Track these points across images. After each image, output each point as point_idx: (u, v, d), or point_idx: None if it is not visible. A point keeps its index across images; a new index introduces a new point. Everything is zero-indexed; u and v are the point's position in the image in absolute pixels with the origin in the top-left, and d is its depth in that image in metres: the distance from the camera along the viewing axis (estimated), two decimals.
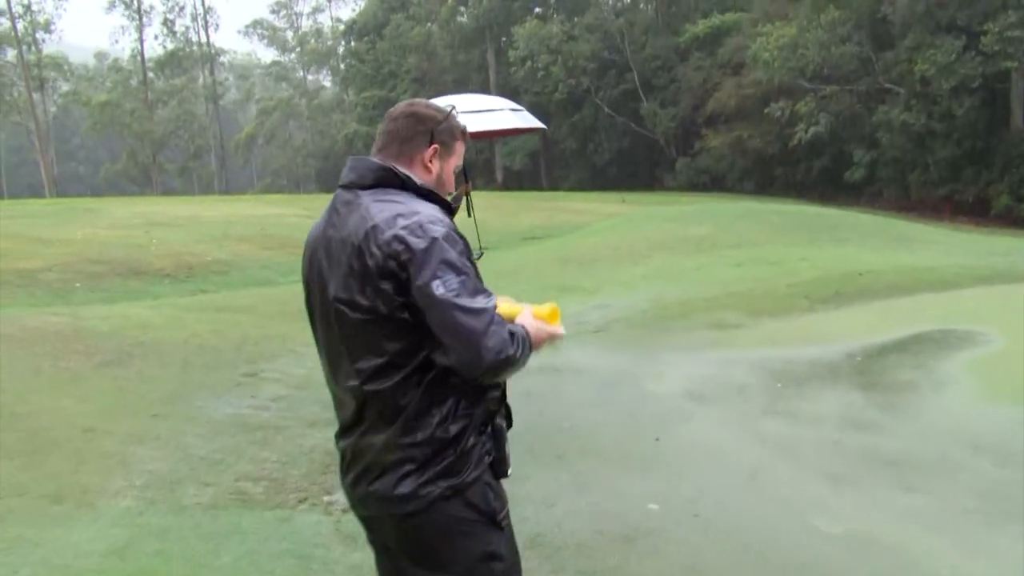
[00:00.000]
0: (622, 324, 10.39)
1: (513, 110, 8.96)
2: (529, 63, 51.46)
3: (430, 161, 2.38)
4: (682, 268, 14.09)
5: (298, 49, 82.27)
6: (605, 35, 52.12)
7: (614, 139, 52.40)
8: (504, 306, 2.32)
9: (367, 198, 2.27)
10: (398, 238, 2.15)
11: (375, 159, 2.36)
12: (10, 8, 58.19)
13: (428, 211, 2.23)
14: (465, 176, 7.83)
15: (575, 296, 12.55)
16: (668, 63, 50.52)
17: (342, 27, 73.25)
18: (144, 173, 66.10)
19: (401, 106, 2.44)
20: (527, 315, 2.34)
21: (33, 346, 7.60)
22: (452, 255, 2.14)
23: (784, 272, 13.11)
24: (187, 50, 70.42)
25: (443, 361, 2.17)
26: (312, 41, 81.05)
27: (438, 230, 2.15)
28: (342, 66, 72.24)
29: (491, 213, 26.86)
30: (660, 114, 49.60)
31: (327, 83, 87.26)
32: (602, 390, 7.58)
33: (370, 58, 62.84)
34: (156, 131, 63.90)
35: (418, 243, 2.14)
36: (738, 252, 15.25)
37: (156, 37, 72.01)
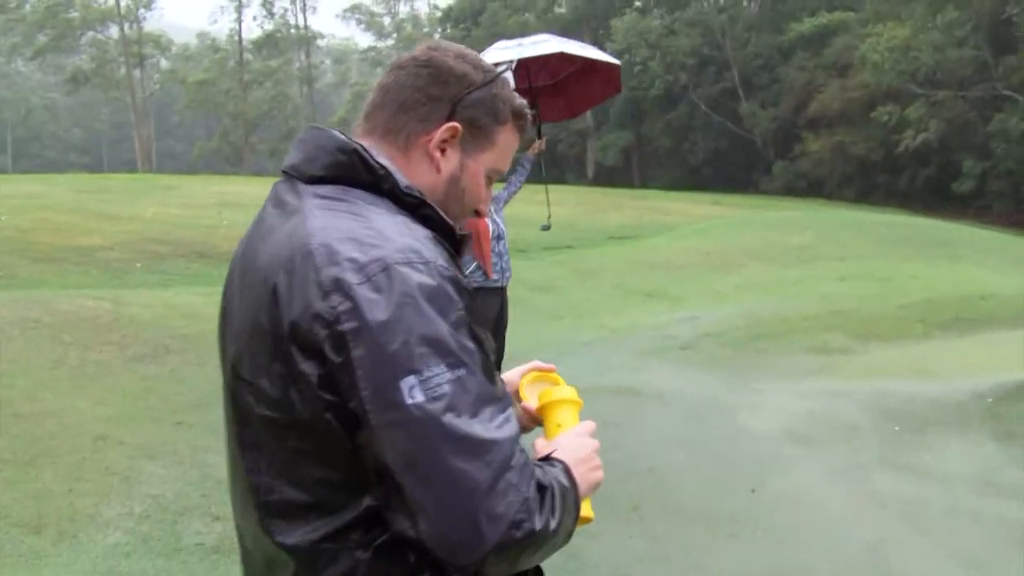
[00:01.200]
0: (712, 341, 9.38)
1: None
2: (626, 57, 50.27)
3: (440, 150, 1.36)
4: (780, 280, 12.99)
5: (395, 35, 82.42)
6: (706, 31, 50.58)
7: (710, 139, 50.92)
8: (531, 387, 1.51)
9: (310, 200, 1.29)
10: (340, 285, 1.16)
11: (339, 133, 1.36)
12: None
13: (404, 240, 1.22)
14: (539, 132, 6.90)
15: (661, 304, 11.59)
16: (770, 62, 48.80)
17: (439, 14, 73.04)
18: (236, 153, 66.85)
19: (418, 48, 1.44)
20: (573, 434, 1.41)
21: (62, 333, 6.97)
22: (439, 327, 1.16)
23: (894, 290, 11.90)
24: (284, 32, 71.00)
25: (403, 529, 1.17)
26: (409, 27, 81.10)
27: (415, 279, 1.17)
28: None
29: (579, 209, 26.01)
30: (759, 115, 47.96)
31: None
32: (688, 423, 6.60)
33: (465, 45, 62.36)
34: (250, 111, 64.52)
35: (373, 301, 1.15)
36: (842, 265, 14.04)
37: (254, 18, 72.88)
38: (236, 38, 68.39)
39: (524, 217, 11.13)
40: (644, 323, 10.42)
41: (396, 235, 1.22)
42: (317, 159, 1.33)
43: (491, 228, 6.20)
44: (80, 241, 12.08)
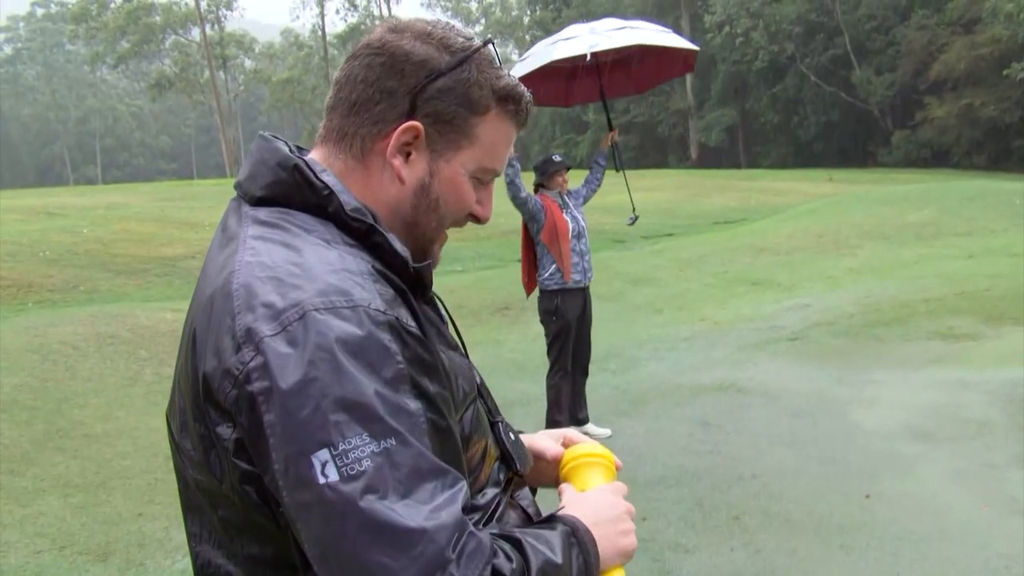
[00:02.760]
0: (823, 330, 9.07)
1: (658, 31, 6.82)
2: (727, 29, 49.48)
3: (403, 155, 1.20)
4: (899, 261, 12.50)
5: (483, 20, 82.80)
6: None
7: (821, 111, 49.64)
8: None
9: (248, 227, 1.15)
10: (251, 336, 1.01)
11: (284, 145, 1.22)
12: None
13: (331, 278, 1.05)
14: (609, 123, 6.75)
15: (767, 293, 11.29)
16: (886, 23, 47.26)
17: None
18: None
19: (376, 30, 1.25)
20: (601, 491, 1.29)
21: (138, 349, 7.15)
22: (362, 388, 0.98)
23: None
24: (369, 24, 72.07)
25: None
26: (497, 11, 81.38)
27: (336, 329, 1.00)
28: (527, 37, 72.08)
29: (681, 193, 25.69)
30: (875, 82, 46.53)
31: (514, 55, 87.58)
32: (796, 421, 6.37)
33: (556, 28, 62.08)
34: None
35: (285, 357, 0.99)
36: (969, 241, 13.44)
37: (337, 11, 74.06)
38: (319, 33, 69.73)
39: (622, 206, 10.99)
40: (749, 314, 10.16)
41: (322, 272, 1.05)
42: (259, 176, 1.19)
43: (571, 226, 6.10)
44: (162, 251, 12.42)
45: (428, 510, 0.98)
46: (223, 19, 65.48)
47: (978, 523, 4.56)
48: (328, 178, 1.17)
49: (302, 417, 0.96)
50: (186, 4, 63.27)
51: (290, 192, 1.17)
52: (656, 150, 57.86)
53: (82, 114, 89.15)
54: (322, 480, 0.95)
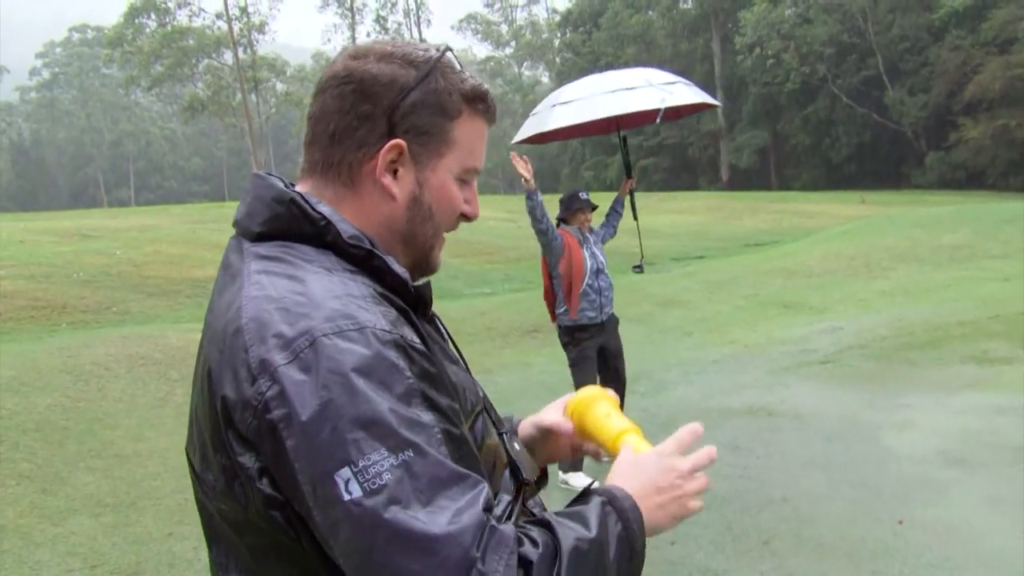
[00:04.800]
0: (856, 353, 9.00)
1: (667, 84, 6.77)
2: (758, 50, 49.51)
3: (391, 173, 1.24)
4: (932, 283, 12.40)
5: (513, 43, 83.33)
6: (844, 16, 49.20)
7: (853, 132, 49.44)
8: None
9: (250, 263, 1.18)
10: (265, 367, 1.05)
11: (278, 180, 1.26)
12: (227, 11, 61.98)
13: (335, 304, 1.09)
14: (628, 171, 6.76)
15: (798, 316, 11.23)
16: (919, 44, 47.06)
17: (557, 18, 73.46)
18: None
19: (338, 61, 1.28)
20: (647, 457, 1.27)
21: (170, 370, 7.23)
22: (376, 405, 1.02)
23: None
24: None
25: None
26: (527, 34, 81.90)
27: (346, 351, 1.04)
28: (557, 60, 72.42)
29: (712, 216, 25.65)
30: (908, 103, 46.32)
31: (544, 78, 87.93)
32: (828, 445, 6.32)
33: (586, 50, 62.48)
34: None
35: (300, 384, 1.03)
36: (1005, 264, 13.31)
37: (368, 35, 74.67)
38: None
39: (652, 227, 10.99)
40: (780, 337, 10.11)
41: (327, 299, 1.09)
42: (256, 213, 1.22)
43: (588, 264, 6.08)
44: (194, 273, 12.56)
45: (450, 515, 1.01)
46: (255, 43, 66.23)
47: (1015, 551, 4.49)
48: (324, 208, 1.21)
49: (322, 439, 1.00)
50: (219, 28, 64.10)
51: (288, 225, 1.20)
52: (687, 172, 57.80)
53: (116, 137, 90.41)
54: (346, 497, 0.99)
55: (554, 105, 6.62)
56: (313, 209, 1.20)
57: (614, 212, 6.59)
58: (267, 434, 1.03)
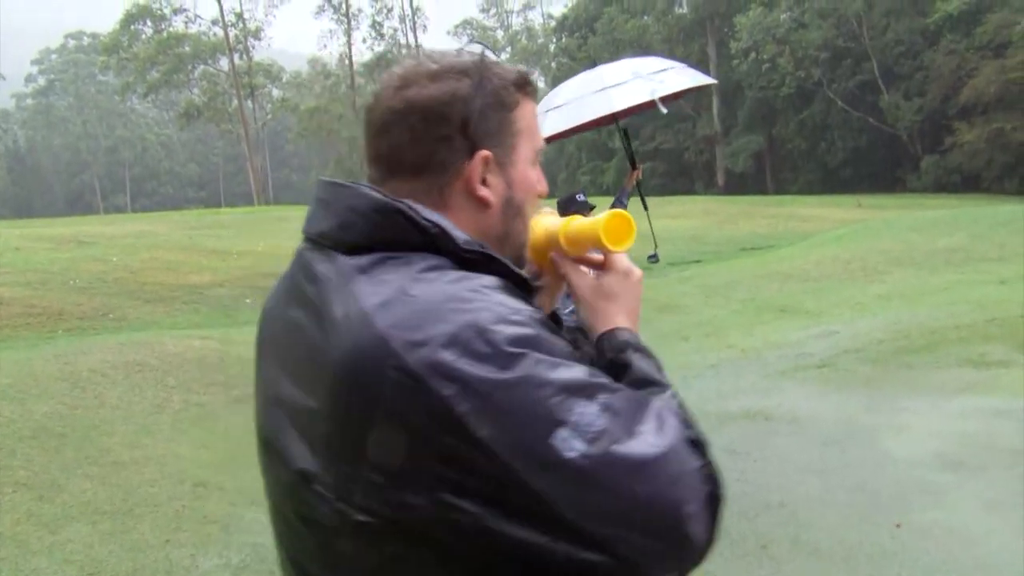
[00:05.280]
0: (852, 357, 9.00)
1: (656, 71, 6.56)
2: (753, 55, 49.59)
3: (483, 183, 1.25)
4: (928, 287, 12.40)
5: (509, 48, 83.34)
6: (840, 20, 49.27)
7: (849, 136, 49.52)
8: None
9: (356, 276, 1.16)
10: (436, 368, 1.04)
11: (373, 190, 1.21)
12: (223, 17, 62.09)
13: (486, 297, 1.12)
14: (632, 163, 6.72)
15: (796, 320, 11.23)
16: (913, 48, 47.16)
17: (553, 23, 73.53)
18: (352, 179, 68.55)
19: (387, 89, 1.25)
20: (625, 287, 1.39)
21: (167, 376, 7.23)
22: (561, 368, 1.08)
23: None
24: (396, 52, 72.67)
25: None
26: (523, 39, 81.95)
27: (515, 333, 1.08)
28: (553, 65, 72.48)
29: (708, 220, 25.65)
30: (903, 107, 46.41)
31: (540, 83, 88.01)
32: (825, 449, 6.32)
33: (582, 55, 62.46)
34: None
35: (481, 371, 1.04)
36: (1001, 267, 13.31)
37: (364, 40, 74.84)
38: (346, 62, 70.40)
39: (647, 235, 11.00)
40: (776, 341, 10.12)
41: (473, 295, 1.11)
42: (354, 225, 1.19)
43: None
44: (190, 279, 12.56)
45: (656, 431, 1.10)
46: (251, 48, 66.30)
47: (1014, 554, 4.50)
48: (434, 216, 1.19)
49: (523, 415, 1.04)
50: (215, 34, 64.20)
51: (394, 236, 1.18)
52: (683, 176, 57.83)
53: (112, 143, 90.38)
54: (571, 454, 1.03)
55: (547, 111, 6.58)
56: (424, 218, 1.18)
57: (619, 203, 6.54)
58: (448, 434, 1.03)
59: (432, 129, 1.22)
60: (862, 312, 11.23)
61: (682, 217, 24.79)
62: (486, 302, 1.09)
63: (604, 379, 1.12)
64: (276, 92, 72.83)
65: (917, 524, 4.90)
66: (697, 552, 1.09)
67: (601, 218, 1.34)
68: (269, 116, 73.28)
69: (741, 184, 53.86)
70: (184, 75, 63.31)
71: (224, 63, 64.11)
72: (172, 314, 10.93)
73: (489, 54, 1.29)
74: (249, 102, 65.57)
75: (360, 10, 73.05)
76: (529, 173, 1.31)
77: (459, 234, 1.19)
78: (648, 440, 1.07)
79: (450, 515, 1.04)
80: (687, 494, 1.08)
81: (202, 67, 64.66)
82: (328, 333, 1.12)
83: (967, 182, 43.35)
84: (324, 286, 1.17)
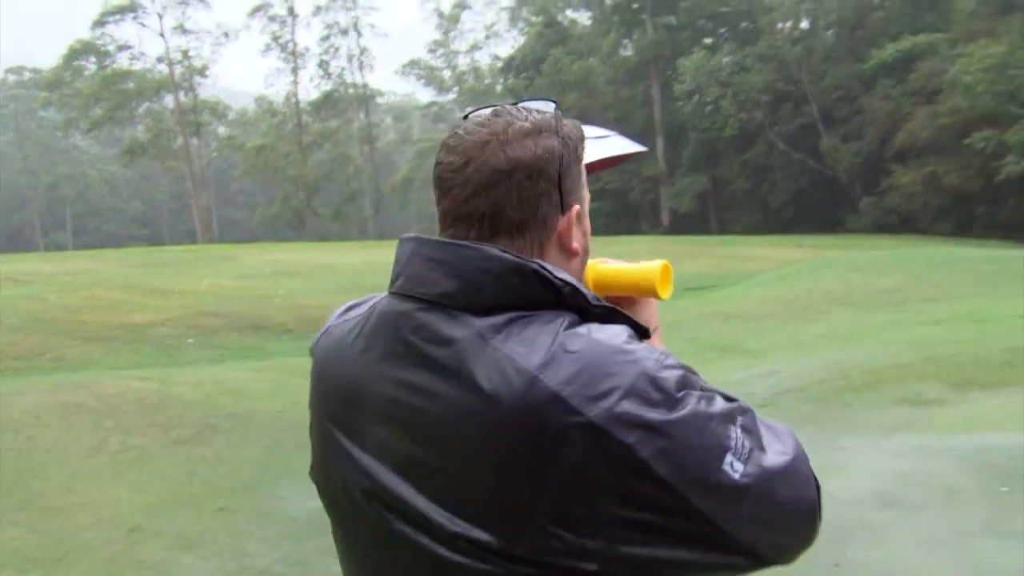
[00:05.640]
0: (793, 396, 9.11)
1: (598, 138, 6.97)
2: (696, 97, 50.35)
3: (569, 234, 1.32)
4: (868, 326, 12.62)
5: (456, 89, 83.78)
6: (780, 65, 50.33)
7: (790, 178, 50.40)
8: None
9: (494, 336, 1.19)
10: (621, 419, 1.12)
11: (501, 252, 1.24)
12: (168, 55, 61.74)
13: (637, 347, 1.20)
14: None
15: (738, 359, 11.34)
16: (851, 93, 48.30)
17: (500, 64, 74.12)
18: (298, 218, 68.26)
19: (491, 152, 1.26)
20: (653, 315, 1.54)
21: (104, 418, 7.09)
22: (710, 400, 1.20)
23: (996, 333, 11.43)
24: (342, 92, 72.70)
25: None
26: (470, 80, 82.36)
27: (674, 376, 1.18)
28: (462, 116, 72.95)
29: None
30: (842, 149, 47.42)
31: None
32: None
33: (528, 95, 62.67)
34: (310, 175, 65.92)
35: (660, 416, 1.13)
36: (936, 307, 13.60)
37: (311, 79, 74.68)
38: (293, 100, 70.24)
39: None
40: (718, 380, 9.91)
41: (629, 347, 1.18)
42: (485, 286, 1.21)
43: None
44: (131, 318, 12.37)
45: (779, 439, 1.24)
46: (197, 86, 65.92)
47: None
48: (564, 274, 1.24)
49: (698, 451, 1.14)
50: (160, 72, 63.73)
51: (528, 296, 1.22)
52: (628, 216, 58.32)
53: (53, 180, 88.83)
54: (737, 475, 1.16)
55: None
56: (556, 277, 1.23)
57: None
58: (631, 477, 1.12)
59: (535, 185, 1.26)
60: (804, 351, 11.38)
61: (627, 257, 24.94)
62: (642, 352, 1.18)
63: (733, 401, 1.23)
64: (222, 130, 72.43)
65: (856, 563, 4.95)
66: (811, 536, 1.28)
67: (656, 266, 1.48)
68: (215, 154, 72.78)
69: (686, 224, 54.46)
70: (128, 112, 62.65)
71: (169, 100, 63.63)
72: (111, 354, 10.74)
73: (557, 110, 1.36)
74: (194, 139, 65.11)
75: (307, 48, 72.89)
76: (587, 218, 1.39)
77: (586, 291, 1.26)
78: (777, 449, 1.22)
79: (623, 552, 1.13)
80: (815, 491, 1.27)
81: (147, 104, 64.07)
82: (481, 395, 1.15)
83: (904, 223, 44.29)
84: (461, 348, 1.18)
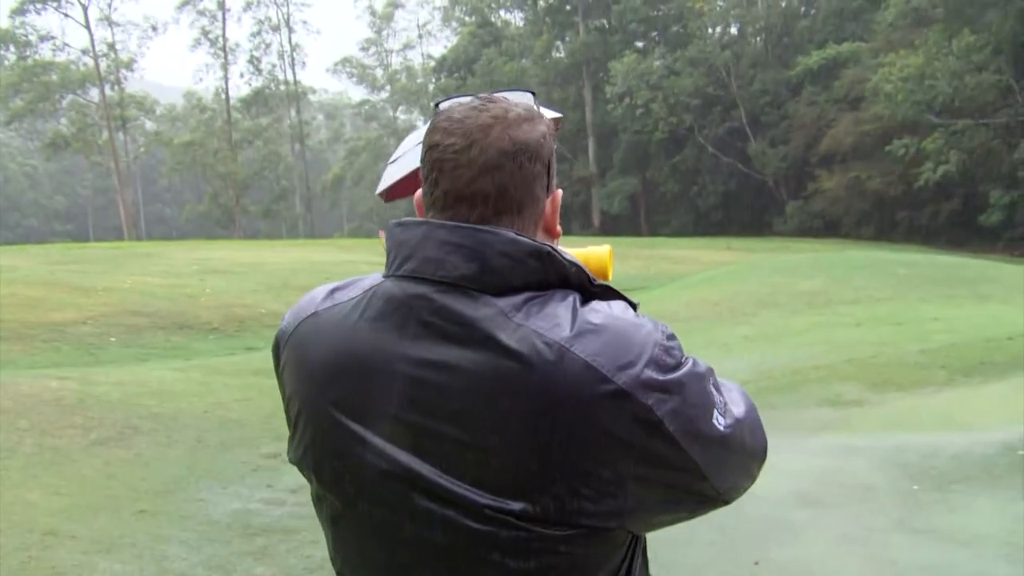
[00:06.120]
0: None
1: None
2: (628, 100, 50.82)
3: (553, 217, 1.41)
4: (790, 328, 12.87)
5: (388, 87, 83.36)
6: (710, 69, 51.10)
7: (719, 181, 51.20)
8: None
9: (516, 314, 1.24)
10: (645, 384, 1.22)
11: (517, 234, 1.28)
12: (93, 47, 60.29)
13: (641, 318, 1.29)
14: None
15: None
16: (778, 99, 49.26)
17: (432, 63, 73.93)
18: (227, 215, 67.26)
19: (477, 120, 1.30)
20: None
21: (19, 419, 6.89)
22: (701, 364, 1.32)
23: (913, 335, 11.75)
24: (273, 88, 71.81)
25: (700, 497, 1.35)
26: (402, 79, 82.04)
27: (676, 343, 1.29)
28: (432, 105, 72.75)
29: None
30: (769, 154, 48.33)
31: (419, 122, 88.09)
32: None
33: (460, 95, 63.03)
34: (240, 172, 64.93)
35: (674, 380, 1.25)
36: (856, 310, 13.93)
37: (241, 75, 73.75)
38: (223, 96, 69.16)
39: None
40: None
41: (639, 320, 1.28)
42: (503, 269, 1.25)
43: None
44: (51, 316, 12.06)
45: (734, 391, 1.38)
46: (123, 80, 64.49)
47: None
48: (572, 257, 1.31)
49: (699, 408, 1.25)
50: (85, 64, 62.20)
51: (542, 277, 1.28)
52: (560, 217, 58.59)
53: None
54: (722, 428, 1.28)
55: (388, 163, 6.47)
56: (565, 259, 1.30)
57: None
58: (648, 435, 1.21)
59: (533, 168, 1.32)
60: (729, 353, 11.55)
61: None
62: (649, 324, 1.27)
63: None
64: (149, 125, 70.95)
65: (774, 561, 5.04)
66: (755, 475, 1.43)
67: (605, 251, 1.58)
68: (142, 149, 71.29)
69: (616, 225, 54.97)
70: (51, 104, 60.95)
71: (94, 94, 62.09)
72: (30, 353, 10.45)
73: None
74: (120, 134, 63.70)
75: (238, 44, 72.24)
76: None
77: (588, 271, 1.33)
78: (736, 400, 1.36)
79: (635, 508, 1.24)
80: (758, 425, 1.40)
81: (71, 97, 62.47)
82: (513, 363, 1.20)
83: (828, 227, 45.27)
84: (486, 324, 1.23)
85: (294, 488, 6.29)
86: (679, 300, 16.01)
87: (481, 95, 1.36)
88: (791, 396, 9.13)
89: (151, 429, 7.25)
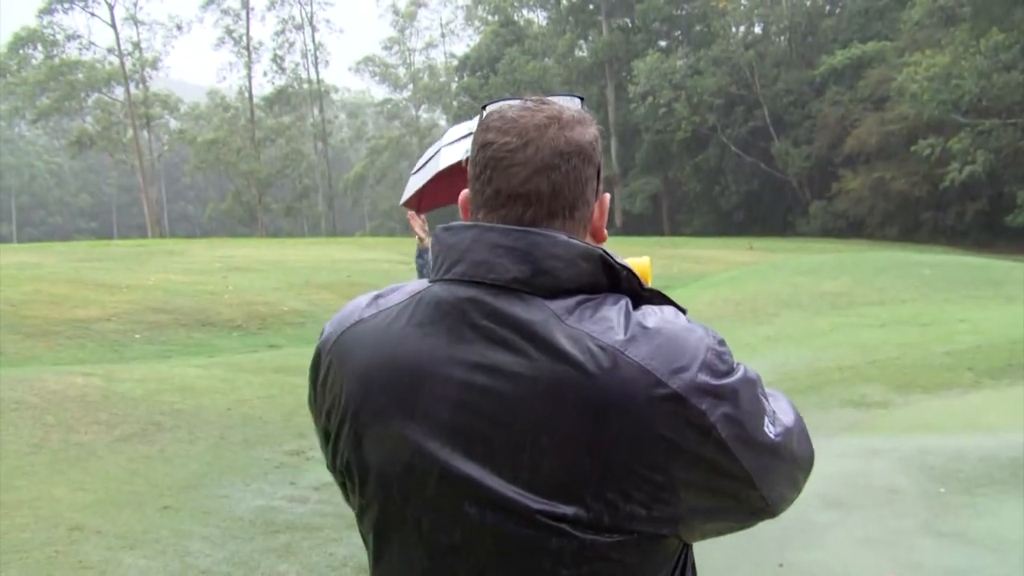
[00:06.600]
0: None
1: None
2: (650, 99, 50.68)
3: (601, 221, 1.39)
4: (814, 329, 12.78)
5: (411, 86, 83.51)
6: (733, 69, 50.88)
7: (742, 181, 50.98)
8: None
9: (569, 317, 1.23)
10: (698, 389, 1.21)
11: (568, 237, 1.26)
12: (119, 45, 60.70)
13: (693, 323, 1.30)
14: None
15: None
16: (802, 98, 48.98)
17: (455, 62, 73.98)
18: (250, 213, 67.58)
19: (532, 119, 1.29)
20: None
21: (46, 415, 6.95)
22: (751, 371, 1.31)
23: (939, 337, 11.64)
24: (296, 87, 72.08)
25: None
26: (425, 77, 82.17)
27: (726, 348, 1.29)
28: (455, 103, 72.89)
29: None
30: (793, 153, 48.05)
31: (441, 121, 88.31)
32: None
33: (483, 94, 63.06)
34: (262, 170, 65.24)
35: (726, 386, 1.23)
36: (881, 311, 13.83)
37: (265, 73, 74.06)
38: (246, 95, 69.51)
39: None
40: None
41: (692, 324, 1.28)
42: (555, 272, 1.24)
43: None
44: (76, 313, 12.16)
45: (781, 400, 1.41)
46: (148, 78, 64.93)
47: None
48: (623, 261, 1.31)
49: (753, 415, 1.25)
50: (110, 63, 62.66)
51: (593, 279, 1.27)
52: None
53: None
54: (773, 435, 1.27)
55: (413, 173, 6.31)
56: (617, 263, 1.29)
57: None
58: (700, 439, 1.20)
59: (587, 170, 1.31)
60: (752, 353, 11.49)
61: None
62: (701, 329, 1.27)
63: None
64: (173, 123, 71.40)
65: (798, 563, 5.01)
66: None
67: (646, 261, 1.55)
68: (165, 147, 71.78)
69: (638, 225, 54.83)
70: (77, 103, 61.44)
71: (119, 92, 62.52)
72: (55, 349, 10.54)
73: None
74: (145, 132, 64.14)
75: (261, 43, 72.61)
76: None
77: (638, 276, 1.32)
78: (784, 409, 1.37)
79: (686, 515, 1.23)
80: (806, 437, 1.40)
81: (96, 95, 62.94)
82: (569, 366, 1.19)
83: (852, 227, 44.97)
84: (540, 327, 1.21)
85: (317, 486, 6.31)
86: (701, 300, 15.95)
87: (531, 97, 1.35)
88: (815, 397, 9.07)
89: (174, 426, 7.29)
